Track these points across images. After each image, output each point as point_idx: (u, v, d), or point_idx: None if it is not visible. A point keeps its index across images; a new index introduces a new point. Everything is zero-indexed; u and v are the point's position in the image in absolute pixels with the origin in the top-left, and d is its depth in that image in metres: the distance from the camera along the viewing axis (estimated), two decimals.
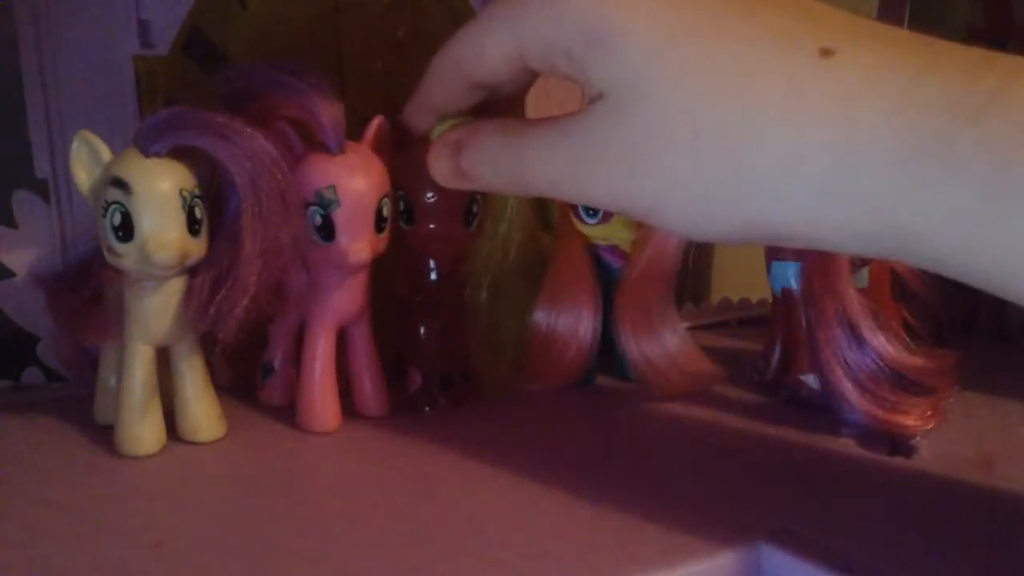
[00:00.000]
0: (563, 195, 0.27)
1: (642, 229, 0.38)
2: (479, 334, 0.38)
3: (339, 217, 0.32)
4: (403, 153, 0.34)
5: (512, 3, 0.26)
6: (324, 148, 0.33)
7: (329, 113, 0.32)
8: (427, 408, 0.37)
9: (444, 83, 0.30)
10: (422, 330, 0.37)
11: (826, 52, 0.21)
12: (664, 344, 0.38)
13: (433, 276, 0.37)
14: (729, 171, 0.22)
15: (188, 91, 0.41)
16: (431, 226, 0.35)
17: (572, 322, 0.39)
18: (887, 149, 0.20)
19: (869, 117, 0.21)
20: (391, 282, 0.39)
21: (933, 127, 0.20)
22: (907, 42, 0.21)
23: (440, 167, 0.30)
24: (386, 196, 0.34)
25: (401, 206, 0.35)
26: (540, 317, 0.39)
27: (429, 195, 0.35)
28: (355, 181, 0.33)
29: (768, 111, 0.22)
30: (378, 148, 0.34)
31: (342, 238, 0.33)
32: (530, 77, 0.29)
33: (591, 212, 0.38)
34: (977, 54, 0.21)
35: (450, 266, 0.37)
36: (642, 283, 0.38)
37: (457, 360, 0.38)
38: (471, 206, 0.36)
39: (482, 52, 0.27)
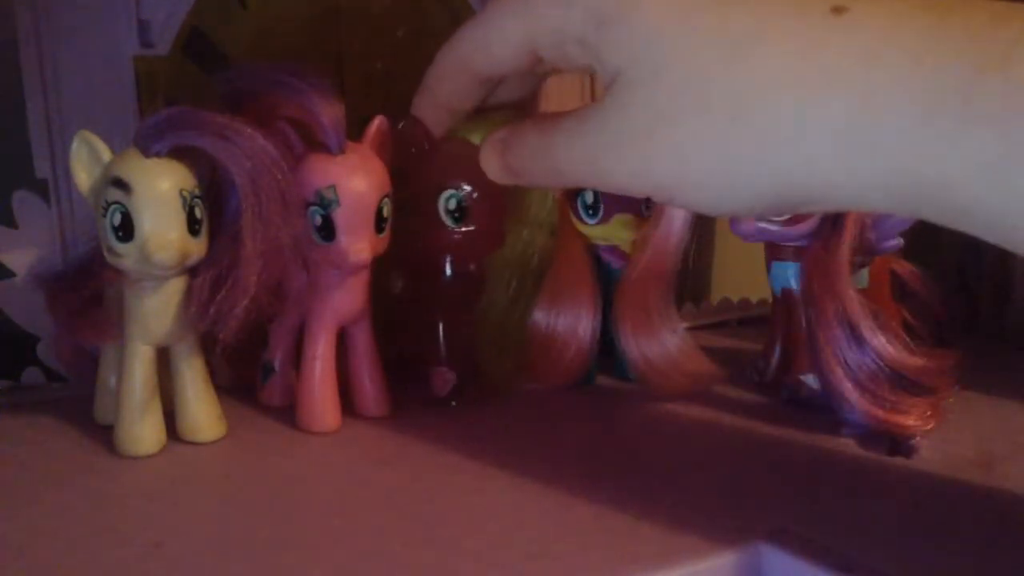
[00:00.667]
0: (591, 183, 0.27)
1: (642, 229, 0.38)
2: (487, 333, 0.38)
3: (339, 217, 0.32)
4: (445, 151, 0.34)
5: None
6: (324, 148, 0.33)
7: (329, 113, 0.32)
8: (451, 403, 0.37)
9: (450, 78, 0.30)
10: (442, 329, 0.37)
11: (838, 10, 0.21)
12: (664, 344, 0.38)
13: (449, 273, 0.37)
14: (747, 139, 0.22)
15: (188, 91, 0.41)
16: (481, 224, 0.35)
17: (571, 322, 0.39)
18: (907, 103, 0.20)
19: (887, 73, 0.20)
20: (390, 282, 0.39)
21: (955, 78, 0.19)
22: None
23: (491, 165, 0.30)
24: (387, 196, 0.34)
25: (452, 204, 0.35)
26: (540, 317, 0.39)
27: (478, 193, 0.34)
28: (355, 181, 0.32)
29: (782, 75, 0.21)
30: (378, 148, 0.34)
31: (342, 238, 0.33)
32: (539, 72, 0.29)
33: (591, 212, 0.38)
34: (997, 5, 0.20)
35: (474, 263, 0.37)
36: (642, 283, 0.38)
37: (472, 358, 0.38)
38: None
39: (490, 45, 0.27)
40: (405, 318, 0.39)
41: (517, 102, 0.33)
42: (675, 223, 0.38)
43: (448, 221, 0.35)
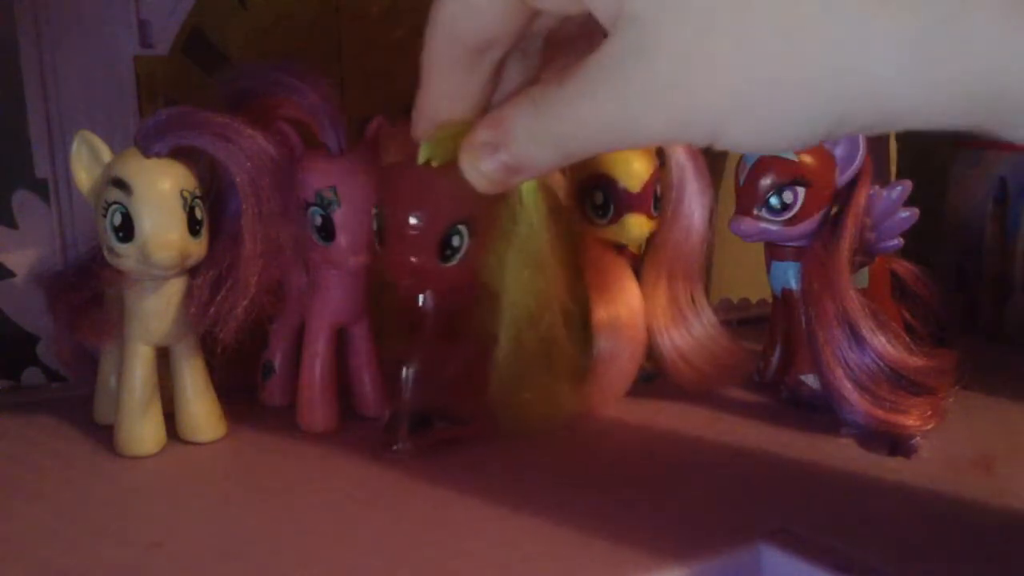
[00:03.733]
0: (617, 145, 0.24)
1: (655, 228, 0.38)
2: (499, 377, 0.33)
3: (339, 218, 0.32)
4: (386, 167, 0.32)
5: None
6: (324, 149, 0.33)
7: (329, 113, 0.32)
8: (392, 447, 0.33)
9: (442, 59, 0.26)
10: (406, 369, 0.33)
11: None
12: (698, 337, 0.38)
13: (422, 302, 0.33)
14: (797, 56, 0.20)
15: (188, 91, 0.41)
16: (393, 252, 0.30)
17: (631, 335, 0.37)
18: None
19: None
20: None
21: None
22: None
23: (481, 174, 0.25)
24: None
25: (375, 224, 0.30)
26: (603, 344, 0.37)
27: (395, 217, 0.29)
28: (355, 182, 0.32)
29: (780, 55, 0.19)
30: (378, 149, 0.34)
31: (342, 238, 0.33)
32: (533, 29, 0.26)
33: (601, 212, 0.38)
34: None
35: (408, 298, 0.33)
36: (670, 280, 0.38)
37: (440, 399, 0.33)
38: (447, 237, 0.30)
39: (478, 4, 0.24)
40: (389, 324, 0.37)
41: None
42: (695, 219, 0.38)
43: (375, 241, 0.31)
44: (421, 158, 0.28)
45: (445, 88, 0.27)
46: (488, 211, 0.30)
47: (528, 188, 0.31)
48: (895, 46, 0.19)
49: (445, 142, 0.27)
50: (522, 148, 0.25)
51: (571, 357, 0.34)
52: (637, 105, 0.22)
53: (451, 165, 0.26)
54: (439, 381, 0.33)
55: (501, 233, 0.31)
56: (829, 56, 0.19)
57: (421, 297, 0.32)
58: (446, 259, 0.30)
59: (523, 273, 0.31)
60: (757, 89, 0.20)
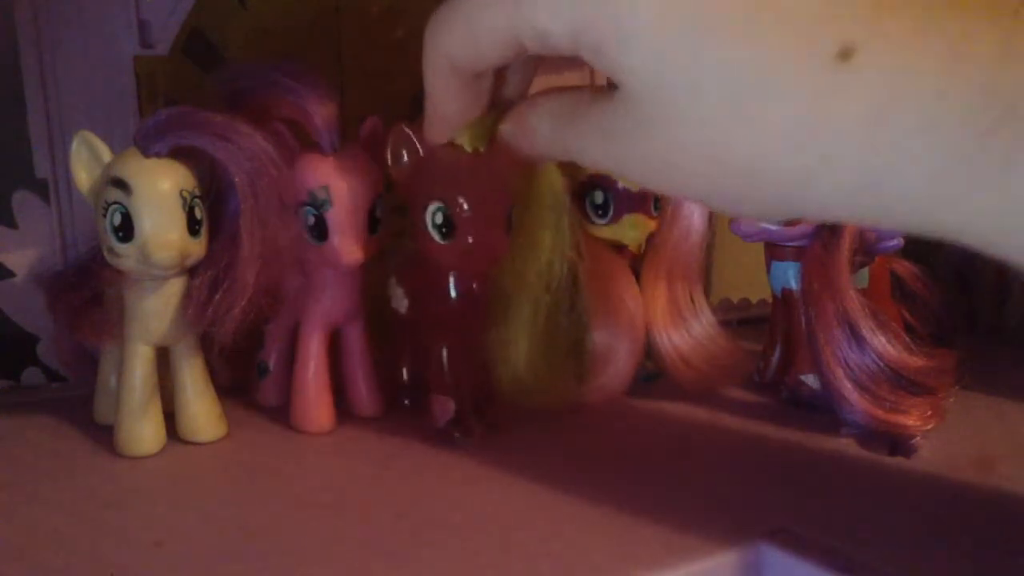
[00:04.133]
0: (650, 186, 0.26)
1: (654, 228, 0.38)
2: (536, 346, 0.34)
3: (332, 217, 0.32)
4: (435, 160, 0.31)
5: None
6: (317, 148, 0.33)
7: (322, 113, 0.32)
8: (459, 437, 0.34)
9: (447, 85, 0.27)
10: (446, 353, 0.34)
11: (846, 53, 0.19)
12: (696, 338, 0.38)
13: (454, 294, 0.34)
14: (756, 187, 0.22)
15: (188, 91, 0.41)
16: (471, 239, 0.31)
17: (627, 331, 0.37)
18: (915, 166, 0.20)
19: (894, 136, 0.20)
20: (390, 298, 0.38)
21: (957, 142, 0.19)
22: (938, 20, 0.19)
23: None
24: (379, 196, 0.33)
25: (439, 219, 0.31)
26: (600, 337, 0.37)
27: (468, 205, 0.31)
28: (348, 181, 0.32)
29: (792, 134, 0.21)
30: (372, 149, 0.34)
31: (335, 238, 0.33)
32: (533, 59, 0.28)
33: (600, 212, 0.38)
34: (1004, 24, 0.19)
35: (475, 281, 0.34)
36: (669, 280, 0.38)
37: (483, 382, 0.35)
38: (509, 215, 0.32)
39: (476, 44, 0.25)
40: (412, 340, 0.37)
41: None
42: (694, 219, 0.38)
43: (435, 236, 0.31)
44: (468, 146, 0.30)
45: (453, 106, 0.28)
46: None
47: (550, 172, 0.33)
48: (841, 191, 0.21)
49: (481, 128, 0.29)
50: (536, 148, 0.28)
51: (571, 345, 0.36)
52: (633, 164, 0.24)
53: (497, 150, 0.29)
54: (470, 366, 0.34)
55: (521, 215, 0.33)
56: (783, 192, 0.22)
57: (454, 279, 0.33)
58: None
59: (536, 254, 0.33)
60: (728, 203, 0.23)
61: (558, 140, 0.26)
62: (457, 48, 0.26)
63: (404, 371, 0.38)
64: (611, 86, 0.24)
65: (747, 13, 0.20)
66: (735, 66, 0.20)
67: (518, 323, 0.34)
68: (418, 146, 0.31)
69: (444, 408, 0.34)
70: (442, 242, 0.31)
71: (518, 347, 0.34)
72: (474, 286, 0.34)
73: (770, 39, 0.20)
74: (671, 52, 0.21)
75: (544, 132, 0.27)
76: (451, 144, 0.30)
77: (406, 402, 0.38)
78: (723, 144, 0.21)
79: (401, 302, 0.35)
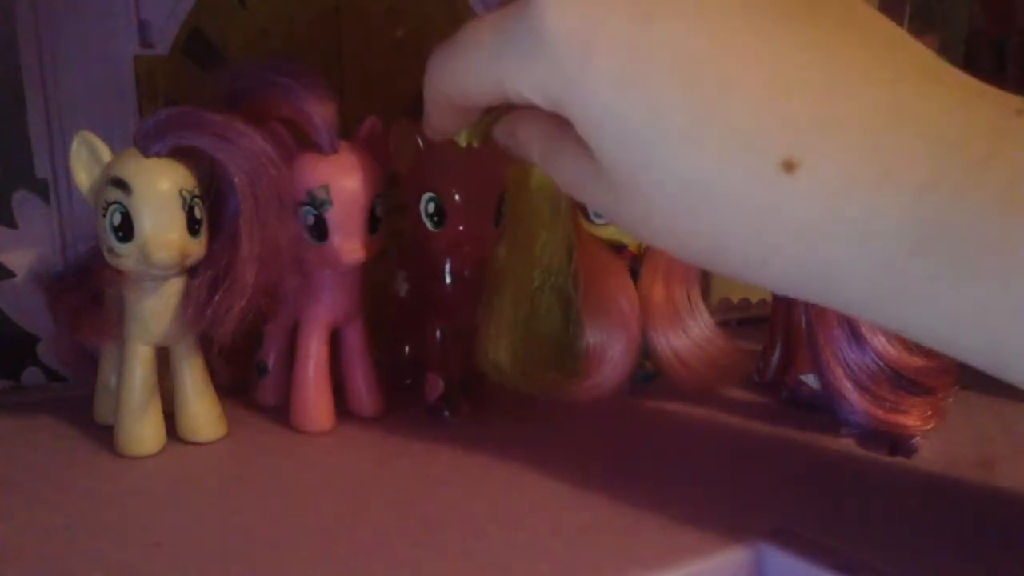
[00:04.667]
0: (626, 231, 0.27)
1: None
2: (517, 343, 0.36)
3: (332, 217, 0.32)
4: (431, 153, 0.34)
5: (488, 42, 0.25)
6: (317, 148, 0.33)
7: (321, 113, 0.32)
8: (447, 414, 0.36)
9: (444, 109, 0.29)
10: (439, 334, 0.36)
11: (789, 166, 0.20)
12: (693, 339, 0.38)
13: (448, 279, 0.36)
14: (720, 259, 0.23)
15: (188, 91, 0.41)
16: (461, 227, 0.34)
17: (621, 333, 0.37)
18: (852, 270, 0.21)
19: (834, 242, 0.21)
20: (391, 284, 0.39)
21: (888, 255, 0.20)
22: (876, 140, 0.20)
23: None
24: (379, 196, 0.34)
25: (431, 208, 0.34)
26: (592, 336, 0.37)
27: (459, 196, 0.34)
28: (348, 181, 0.32)
29: (737, 232, 0.22)
30: (371, 148, 0.34)
31: (335, 238, 0.33)
32: None
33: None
34: (952, 133, 0.20)
35: (466, 268, 0.36)
36: (666, 280, 0.38)
37: (473, 363, 0.37)
38: (499, 205, 0.35)
39: (466, 90, 0.26)
40: (410, 322, 0.38)
41: None
42: None
43: (428, 224, 0.34)
44: (463, 142, 0.32)
45: (449, 122, 0.30)
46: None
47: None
48: (790, 280, 0.22)
49: (477, 127, 0.31)
50: (532, 161, 0.28)
51: (562, 343, 0.37)
52: (609, 214, 0.25)
53: (490, 145, 0.31)
54: (469, 345, 0.36)
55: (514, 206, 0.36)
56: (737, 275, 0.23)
57: (447, 268, 0.36)
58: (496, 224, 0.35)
59: (529, 246, 0.36)
60: (699, 250, 0.23)
61: (546, 164, 0.27)
62: (450, 90, 0.27)
63: (406, 349, 0.40)
64: None
65: (702, 113, 0.21)
66: (686, 173, 0.22)
67: (500, 319, 0.36)
68: (418, 140, 0.33)
69: (434, 385, 0.36)
70: (434, 230, 0.34)
71: (498, 343, 0.36)
72: (466, 272, 0.36)
73: (719, 146, 0.21)
74: (631, 146, 0.22)
75: (533, 152, 0.28)
76: (447, 140, 0.32)
77: (408, 381, 0.39)
78: (685, 229, 0.23)
79: (401, 285, 0.38)
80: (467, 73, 0.26)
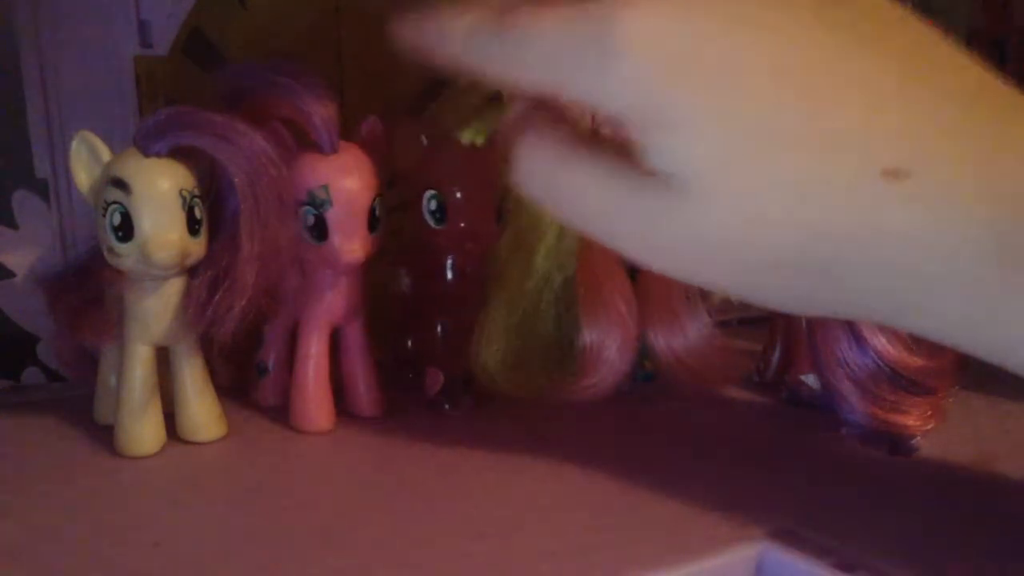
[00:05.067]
0: (648, 263, 0.25)
1: None
2: (510, 346, 0.36)
3: (332, 217, 0.32)
4: (434, 151, 0.34)
5: (554, 40, 0.22)
6: (316, 148, 0.33)
7: (321, 113, 0.32)
8: (448, 407, 0.37)
9: (447, 58, 0.27)
10: (439, 329, 0.37)
11: (894, 174, 0.20)
12: (691, 339, 0.38)
13: (449, 275, 0.37)
14: (781, 280, 0.22)
15: (188, 91, 0.41)
16: (462, 224, 0.35)
17: (617, 334, 0.37)
18: (957, 291, 0.21)
19: (938, 264, 0.21)
20: (392, 281, 0.39)
21: (997, 277, 0.20)
22: (989, 142, 0.21)
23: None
24: (379, 196, 0.34)
25: (433, 205, 0.35)
26: (589, 336, 0.37)
27: (461, 193, 0.35)
28: (348, 181, 0.32)
29: (841, 248, 0.21)
30: (371, 148, 0.34)
31: (335, 238, 0.33)
32: None
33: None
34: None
35: (467, 264, 0.37)
36: (665, 280, 0.38)
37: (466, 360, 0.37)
38: (500, 203, 0.36)
39: (505, 74, 0.24)
40: (412, 318, 0.39)
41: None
42: None
43: (430, 221, 0.35)
44: (465, 140, 0.33)
45: (437, 59, 0.27)
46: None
47: None
48: (895, 297, 0.22)
49: (480, 125, 0.32)
50: (528, 184, 0.26)
51: (558, 345, 0.37)
52: (634, 242, 0.24)
53: (492, 143, 0.32)
54: (461, 342, 0.36)
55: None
56: (832, 306, 0.23)
57: (449, 263, 0.37)
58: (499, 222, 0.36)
59: (527, 245, 0.35)
60: (752, 275, 0.23)
61: (552, 178, 0.25)
62: (483, 66, 0.25)
63: (409, 343, 0.40)
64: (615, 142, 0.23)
65: (798, 123, 0.21)
66: (780, 182, 0.21)
67: (493, 325, 0.36)
68: (422, 139, 0.34)
69: (435, 379, 0.37)
70: (436, 227, 0.35)
71: (488, 349, 0.35)
72: (467, 268, 0.37)
73: (818, 153, 0.21)
74: (726, 150, 0.21)
75: (542, 169, 0.25)
76: (450, 139, 0.33)
77: (410, 376, 0.39)
78: (756, 242, 0.22)
79: (403, 281, 0.39)
80: (514, 62, 0.24)
